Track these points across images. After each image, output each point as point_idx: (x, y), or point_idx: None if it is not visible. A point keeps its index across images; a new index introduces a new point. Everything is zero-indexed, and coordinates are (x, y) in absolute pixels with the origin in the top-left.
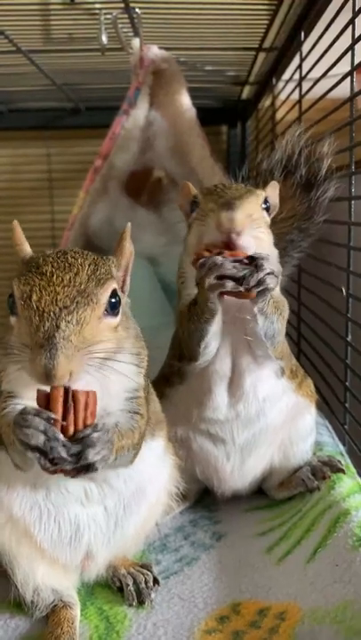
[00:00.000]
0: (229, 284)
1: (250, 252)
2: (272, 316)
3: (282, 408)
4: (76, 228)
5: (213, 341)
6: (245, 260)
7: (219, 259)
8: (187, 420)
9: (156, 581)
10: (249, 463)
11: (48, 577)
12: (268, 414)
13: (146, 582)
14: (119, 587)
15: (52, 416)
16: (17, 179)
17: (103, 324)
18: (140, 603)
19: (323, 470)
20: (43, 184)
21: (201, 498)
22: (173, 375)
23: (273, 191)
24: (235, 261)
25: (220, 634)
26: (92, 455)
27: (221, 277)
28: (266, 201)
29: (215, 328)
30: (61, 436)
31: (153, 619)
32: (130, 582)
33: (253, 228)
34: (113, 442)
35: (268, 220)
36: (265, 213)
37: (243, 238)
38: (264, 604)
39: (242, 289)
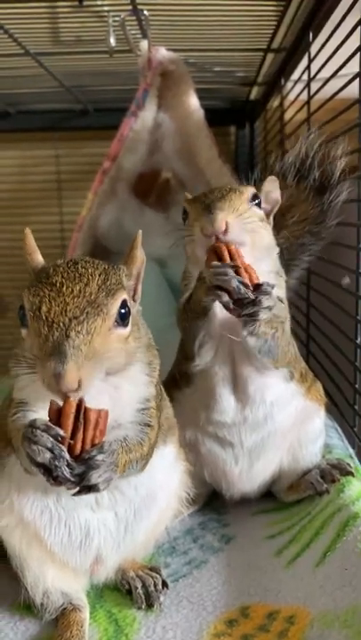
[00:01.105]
0: (224, 298)
1: (249, 251)
2: (264, 336)
3: (291, 412)
4: (85, 230)
5: (208, 341)
6: (251, 288)
7: (230, 272)
8: (195, 422)
9: (164, 584)
10: (257, 467)
11: (58, 580)
12: (276, 418)
13: (155, 585)
14: (128, 589)
15: (61, 433)
16: (25, 180)
17: (114, 335)
18: (149, 606)
19: (332, 473)
20: (51, 185)
21: (210, 501)
22: (181, 377)
23: (272, 185)
24: (242, 282)
25: (229, 637)
26: (95, 478)
27: (223, 288)
28: (255, 196)
29: (208, 326)
30: (67, 456)
31: (162, 622)
32: (138, 585)
33: (243, 222)
34: (118, 464)
35: (261, 213)
36: (255, 208)
37: (231, 235)
38: (273, 608)
39: (232, 307)
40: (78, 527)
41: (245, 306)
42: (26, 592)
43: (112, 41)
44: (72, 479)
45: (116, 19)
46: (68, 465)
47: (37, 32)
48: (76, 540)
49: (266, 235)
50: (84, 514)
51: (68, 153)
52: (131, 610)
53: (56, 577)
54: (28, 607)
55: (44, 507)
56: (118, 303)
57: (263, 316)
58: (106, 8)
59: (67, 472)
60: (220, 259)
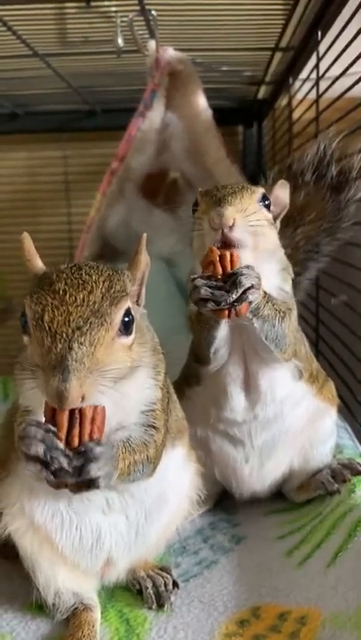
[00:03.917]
0: (210, 305)
1: (244, 255)
2: (272, 320)
3: (302, 413)
4: (94, 231)
5: (224, 346)
6: (220, 283)
7: (198, 281)
8: (205, 420)
9: (175, 584)
10: (268, 466)
11: (69, 580)
12: (286, 417)
13: (165, 585)
14: (139, 589)
15: (52, 428)
16: (33, 181)
17: (117, 344)
18: (160, 606)
19: (343, 473)
20: (59, 186)
21: (220, 501)
22: (191, 376)
23: (282, 189)
24: (211, 284)
25: (240, 637)
26: (95, 470)
27: (204, 299)
28: (265, 197)
29: (222, 334)
30: (61, 445)
31: (173, 622)
32: (149, 585)
33: (249, 222)
34: (117, 459)
35: (269, 216)
36: (264, 209)
37: (235, 233)
38: (284, 608)
39: (222, 307)
40: (89, 530)
41: (227, 297)
42: (37, 592)
43: (120, 41)
44: (70, 470)
45: (124, 19)
46: (66, 455)
47: (45, 33)
48: (87, 544)
49: (271, 237)
50: (95, 517)
51: (75, 154)
52: (142, 610)
53: (67, 578)
54: (39, 607)
55: (55, 510)
56: (122, 312)
57: (251, 296)
58: (113, 9)
59: (64, 462)
60: (213, 265)
